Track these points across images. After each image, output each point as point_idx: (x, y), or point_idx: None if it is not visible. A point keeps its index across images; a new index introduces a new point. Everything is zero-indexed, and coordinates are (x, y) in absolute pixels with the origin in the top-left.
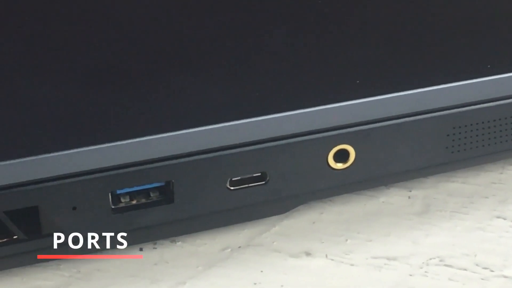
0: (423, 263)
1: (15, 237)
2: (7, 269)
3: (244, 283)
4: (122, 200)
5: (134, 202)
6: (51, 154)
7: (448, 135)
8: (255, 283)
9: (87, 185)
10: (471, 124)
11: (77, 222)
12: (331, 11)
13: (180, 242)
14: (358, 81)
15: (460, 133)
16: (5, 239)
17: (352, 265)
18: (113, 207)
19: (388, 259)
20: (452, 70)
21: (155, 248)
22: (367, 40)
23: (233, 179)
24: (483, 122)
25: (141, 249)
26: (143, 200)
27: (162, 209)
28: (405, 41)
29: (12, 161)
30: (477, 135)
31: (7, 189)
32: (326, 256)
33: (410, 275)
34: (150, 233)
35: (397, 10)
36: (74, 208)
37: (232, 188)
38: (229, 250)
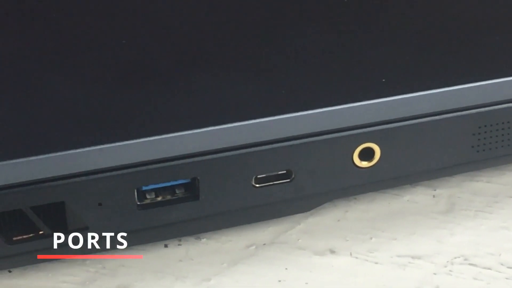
0: (447, 262)
1: (41, 232)
2: (34, 264)
3: (268, 280)
4: (148, 196)
5: (159, 198)
6: (78, 150)
7: (473, 134)
8: (279, 281)
9: (113, 181)
10: (497, 123)
11: (102, 218)
12: (358, 9)
13: (205, 239)
14: (384, 80)
15: (485, 132)
16: (31, 235)
17: (376, 263)
18: (138, 203)
19: (413, 257)
20: (478, 69)
21: (180, 245)
22: (393, 39)
23: (258, 176)
24: (508, 122)
25: (166, 246)
26: (169, 197)
27: (187, 206)
28: (432, 39)
29: (39, 157)
30: (502, 134)
31: (34, 185)
32: (351, 254)
33: (435, 274)
34: (175, 230)
35: (421, 9)
36: (100, 204)
37: (257, 185)
38: (254, 247)
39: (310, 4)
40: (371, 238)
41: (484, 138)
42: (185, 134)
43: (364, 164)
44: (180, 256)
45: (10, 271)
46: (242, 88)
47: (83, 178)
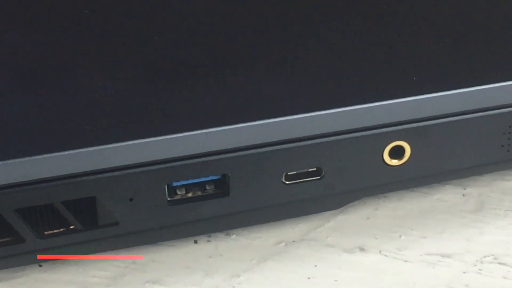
0: (477, 260)
1: (71, 227)
2: (64, 258)
3: (298, 277)
4: (178, 192)
5: (190, 194)
6: (110, 145)
7: (504, 133)
8: (308, 278)
9: (144, 176)
10: None
11: (133, 214)
12: (388, 7)
13: (234, 235)
14: (414, 78)
15: None
16: (62, 229)
17: (405, 261)
18: (169, 199)
19: (442, 256)
20: (510, 68)
21: (210, 241)
22: (425, 37)
23: (288, 173)
24: None
25: (195, 242)
26: (199, 193)
27: (217, 202)
28: (464, 38)
29: (70, 152)
30: None
31: (65, 180)
32: (380, 252)
33: (464, 273)
34: (205, 226)
35: (453, 8)
36: (131, 200)
37: (287, 182)
38: (284, 244)
39: (342, 2)
40: (400, 236)
41: None
42: (216, 131)
43: (394, 162)
44: (210, 252)
45: (40, 265)
46: (273, 85)
47: (115, 173)
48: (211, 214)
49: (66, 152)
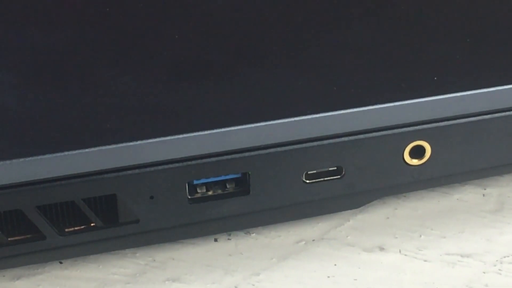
0: (497, 261)
1: (92, 224)
2: (84, 255)
3: (317, 276)
4: (199, 190)
5: (210, 193)
6: (131, 143)
7: None
8: (328, 276)
9: (165, 174)
10: None
11: (153, 211)
12: (413, 6)
13: (254, 234)
14: (435, 78)
15: None
16: (83, 226)
17: (425, 261)
18: (189, 197)
19: (462, 256)
20: None
21: (230, 239)
22: (447, 37)
23: (309, 172)
24: None
25: (215, 240)
26: (219, 191)
27: (237, 201)
28: (486, 38)
29: (92, 149)
30: None
31: (87, 177)
32: (400, 251)
33: (484, 273)
34: (225, 224)
35: (479, 8)
36: (152, 197)
37: (307, 181)
38: (303, 243)
39: (364, 1)
40: (420, 236)
41: None
42: (237, 129)
43: (415, 162)
44: (230, 250)
45: (61, 262)
46: (294, 84)
47: (136, 171)
48: (231, 212)
49: (88, 150)
